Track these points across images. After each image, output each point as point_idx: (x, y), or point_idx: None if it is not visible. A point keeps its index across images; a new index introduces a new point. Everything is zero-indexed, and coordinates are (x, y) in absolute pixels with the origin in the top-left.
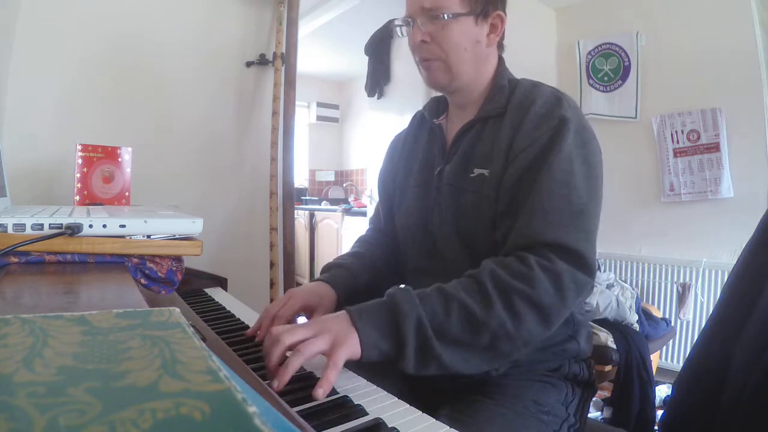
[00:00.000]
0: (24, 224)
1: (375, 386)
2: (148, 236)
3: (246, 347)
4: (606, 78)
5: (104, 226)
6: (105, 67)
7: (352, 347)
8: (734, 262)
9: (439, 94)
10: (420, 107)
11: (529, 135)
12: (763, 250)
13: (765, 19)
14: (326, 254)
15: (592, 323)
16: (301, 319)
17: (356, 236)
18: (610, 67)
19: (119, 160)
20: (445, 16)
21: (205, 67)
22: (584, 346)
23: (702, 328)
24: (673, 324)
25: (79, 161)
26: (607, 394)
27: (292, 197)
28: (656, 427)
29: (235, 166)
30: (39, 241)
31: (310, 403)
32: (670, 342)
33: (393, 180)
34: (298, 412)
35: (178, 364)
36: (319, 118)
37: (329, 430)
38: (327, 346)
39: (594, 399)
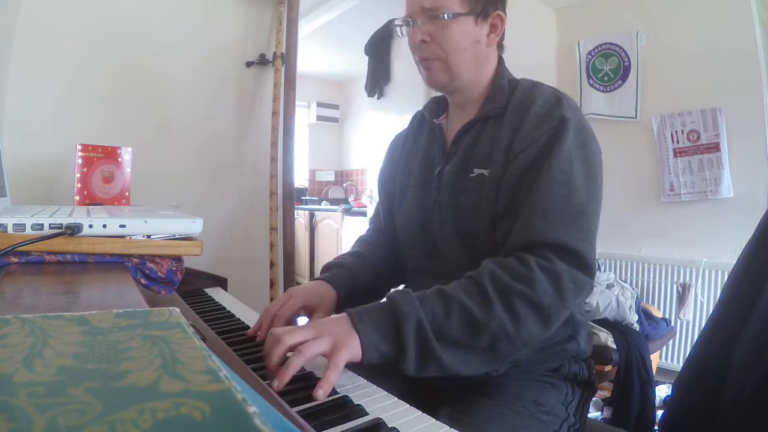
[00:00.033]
0: (24, 224)
1: (375, 386)
2: (148, 236)
3: (246, 347)
4: (606, 78)
5: (104, 226)
6: (105, 67)
7: (353, 349)
8: (734, 262)
9: (439, 94)
10: (420, 107)
11: (529, 135)
12: (763, 250)
13: (765, 19)
14: (326, 254)
15: (592, 323)
16: (302, 319)
17: (356, 236)
18: (610, 67)
19: (119, 160)
20: (445, 16)
21: (205, 67)
22: (584, 346)
23: (702, 328)
24: (673, 324)
25: (79, 161)
26: (607, 394)
27: (292, 197)
28: (656, 427)
29: (235, 166)
30: (39, 241)
31: (310, 403)
32: (670, 342)
33: (393, 180)
34: (298, 412)
35: (178, 364)
36: (319, 118)
37: (329, 430)
38: (328, 348)
39: (594, 399)
